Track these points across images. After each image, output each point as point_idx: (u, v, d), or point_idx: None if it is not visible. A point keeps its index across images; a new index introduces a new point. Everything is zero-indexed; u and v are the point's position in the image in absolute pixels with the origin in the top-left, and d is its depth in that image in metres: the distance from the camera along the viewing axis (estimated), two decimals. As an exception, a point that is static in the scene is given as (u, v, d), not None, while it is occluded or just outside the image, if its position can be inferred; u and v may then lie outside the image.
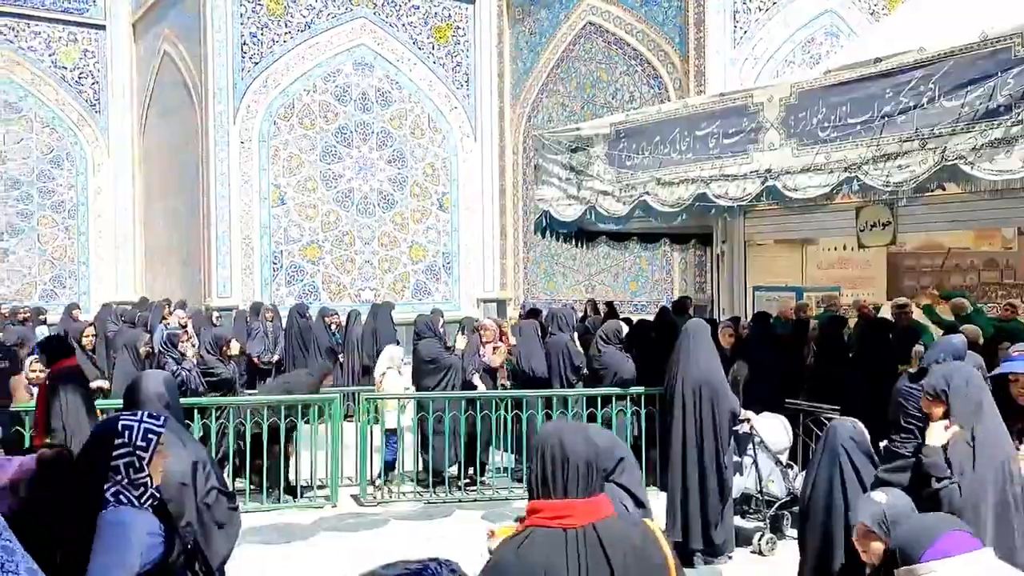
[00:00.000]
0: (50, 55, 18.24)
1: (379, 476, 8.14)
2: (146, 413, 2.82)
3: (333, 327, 12.60)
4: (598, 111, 14.30)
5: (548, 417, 7.96)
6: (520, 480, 8.30)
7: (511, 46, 17.26)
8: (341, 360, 12.42)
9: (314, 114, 16.02)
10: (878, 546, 3.02)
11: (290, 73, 15.77)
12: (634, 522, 2.36)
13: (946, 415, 3.71)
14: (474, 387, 8.56)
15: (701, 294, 12.42)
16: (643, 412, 8.00)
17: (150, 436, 2.71)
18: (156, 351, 7.88)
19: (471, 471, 8.18)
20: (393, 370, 8.39)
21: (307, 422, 8.06)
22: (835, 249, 12.00)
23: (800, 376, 8.09)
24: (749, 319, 9.48)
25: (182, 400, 6.53)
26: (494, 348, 9.16)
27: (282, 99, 15.71)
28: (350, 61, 16.34)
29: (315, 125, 16.02)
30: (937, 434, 3.69)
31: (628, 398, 8.02)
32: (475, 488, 8.11)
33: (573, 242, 10.52)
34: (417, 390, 8.41)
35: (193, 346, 8.42)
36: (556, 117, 15.74)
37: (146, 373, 3.41)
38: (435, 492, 8.08)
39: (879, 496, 3.12)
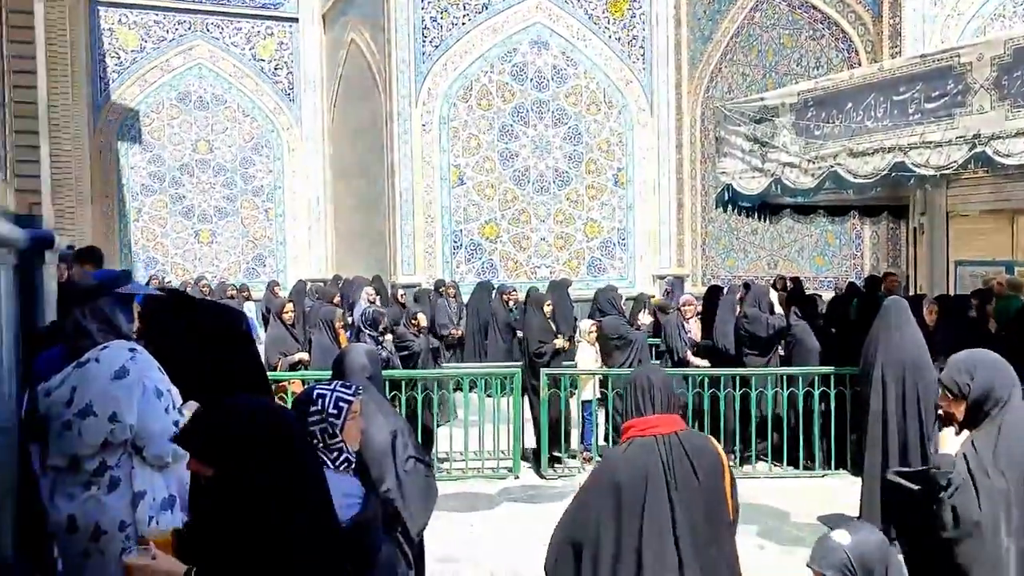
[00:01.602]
0: (250, 49, 19.56)
1: (580, 448, 8.36)
2: (339, 383, 3.00)
3: (511, 304, 12.86)
4: (781, 79, 13.71)
5: (744, 398, 7.82)
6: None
7: (688, 16, 16.82)
8: (520, 336, 12.65)
9: (491, 94, 16.30)
10: None
11: (468, 55, 16.11)
12: (698, 432, 3.20)
13: (969, 415, 3.00)
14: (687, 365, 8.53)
15: (895, 269, 11.69)
16: (833, 393, 7.69)
17: (341, 404, 2.87)
18: (357, 327, 8.29)
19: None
20: (585, 343, 8.45)
21: (489, 395, 8.30)
22: (1051, 220, 10.95)
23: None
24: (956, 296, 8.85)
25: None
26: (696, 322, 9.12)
27: (461, 81, 16.09)
28: (526, 40, 16.48)
29: (492, 105, 16.31)
30: (950, 440, 3.03)
31: (817, 377, 7.74)
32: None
33: (756, 216, 10.18)
34: (603, 366, 8.44)
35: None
36: (736, 87, 15.23)
37: (352, 346, 3.62)
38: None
39: (840, 537, 2.39)
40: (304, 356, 7.92)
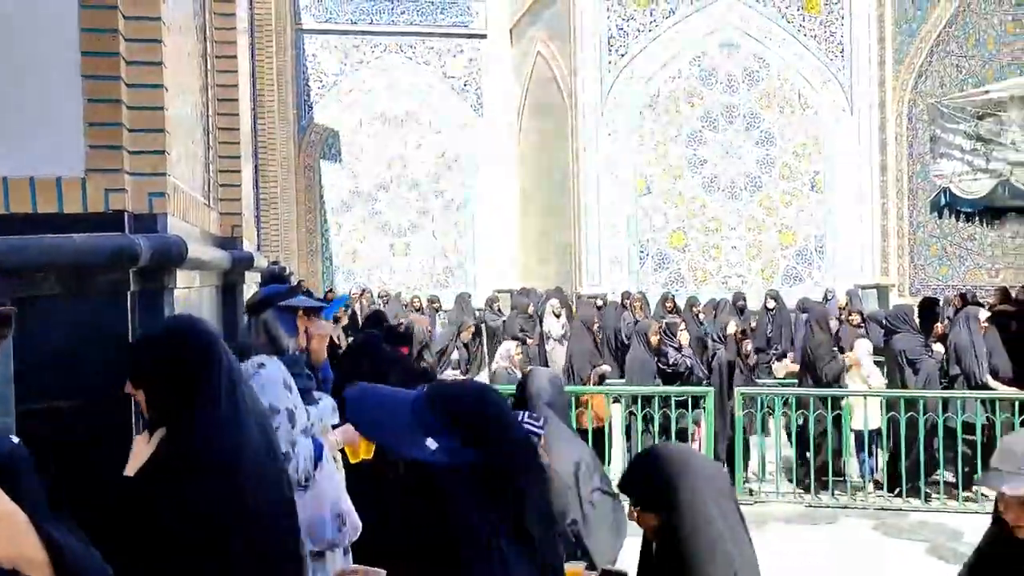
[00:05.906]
0: (441, 66, 20.17)
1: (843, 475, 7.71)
2: (526, 414, 2.86)
3: (701, 317, 12.37)
4: (1003, 71, 12.45)
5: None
6: (955, 499, 7.22)
7: (893, 8, 15.67)
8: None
9: (679, 100, 15.90)
10: None
11: (655, 62, 15.79)
12: None
13: None
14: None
15: None
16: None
17: (531, 439, 2.74)
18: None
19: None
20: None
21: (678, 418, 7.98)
22: None
23: None
24: None
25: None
26: None
27: (647, 88, 15.80)
28: (714, 43, 15.96)
29: (680, 111, 15.90)
30: None
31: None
32: (871, 494, 7.49)
33: (977, 221, 9.25)
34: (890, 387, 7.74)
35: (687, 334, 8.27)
36: (949, 81, 13.99)
37: (534, 370, 3.50)
38: (817, 495, 7.55)
39: None
40: (607, 369, 8.02)
